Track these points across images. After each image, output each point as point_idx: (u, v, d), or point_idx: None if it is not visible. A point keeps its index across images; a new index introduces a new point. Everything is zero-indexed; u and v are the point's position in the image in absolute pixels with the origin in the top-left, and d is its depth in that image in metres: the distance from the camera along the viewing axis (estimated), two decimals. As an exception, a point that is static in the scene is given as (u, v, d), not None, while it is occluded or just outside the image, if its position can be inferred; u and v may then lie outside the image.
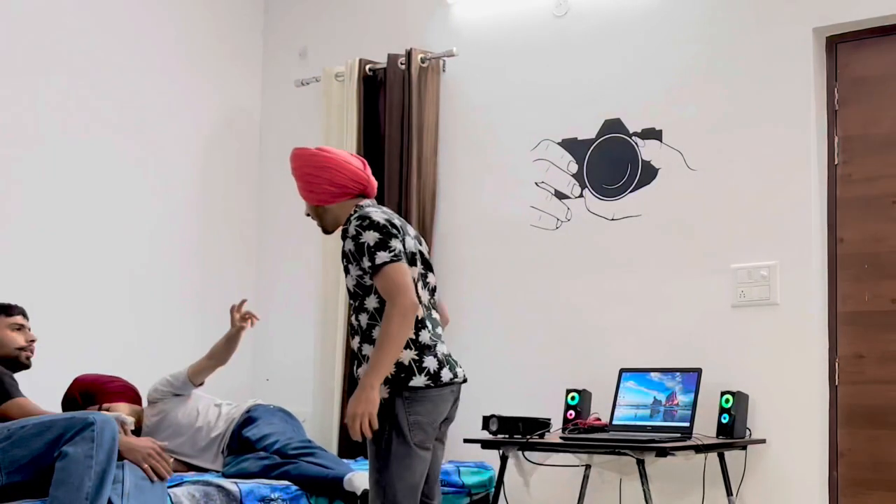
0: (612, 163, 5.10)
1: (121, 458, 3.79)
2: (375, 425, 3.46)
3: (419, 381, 3.53)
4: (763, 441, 4.62)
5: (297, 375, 5.83)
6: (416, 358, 3.55)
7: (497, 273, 5.38)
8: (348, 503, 4.36)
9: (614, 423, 4.72)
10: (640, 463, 4.25)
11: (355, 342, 3.65)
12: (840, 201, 4.64)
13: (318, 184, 3.68)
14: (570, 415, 4.85)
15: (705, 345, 4.79)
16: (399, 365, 3.52)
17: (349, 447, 5.47)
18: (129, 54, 5.60)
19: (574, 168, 5.20)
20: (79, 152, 5.37)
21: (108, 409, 4.56)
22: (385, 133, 5.59)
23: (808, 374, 4.59)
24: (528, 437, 4.54)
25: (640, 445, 4.24)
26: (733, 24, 4.84)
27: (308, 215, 3.82)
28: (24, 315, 4.35)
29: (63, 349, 5.11)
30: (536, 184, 5.29)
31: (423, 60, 5.53)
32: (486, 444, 4.65)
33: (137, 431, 4.55)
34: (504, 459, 4.64)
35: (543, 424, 4.60)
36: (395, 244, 3.51)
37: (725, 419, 4.53)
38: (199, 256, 5.84)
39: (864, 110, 4.62)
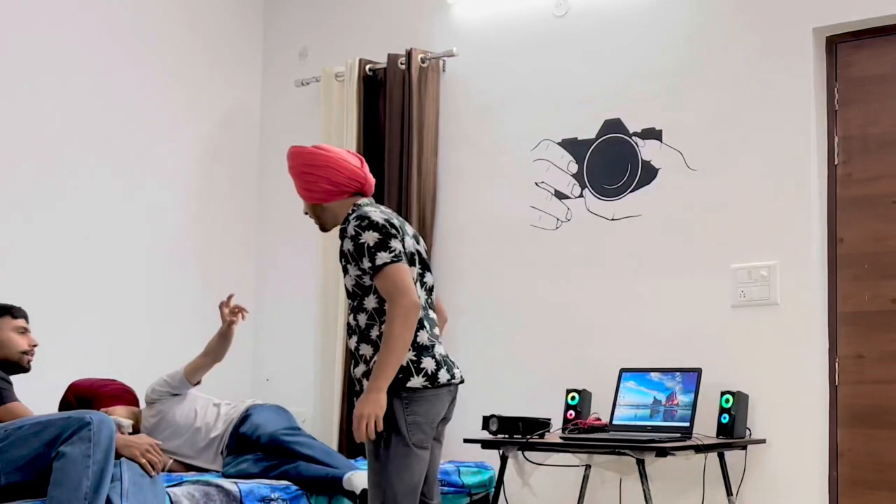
0: (612, 163, 5.10)
1: (118, 456, 3.80)
2: (381, 428, 3.46)
3: (416, 381, 3.53)
4: (763, 441, 4.62)
5: (297, 375, 5.84)
6: (414, 359, 3.55)
7: (497, 273, 5.38)
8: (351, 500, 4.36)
9: (614, 423, 4.72)
10: (640, 463, 4.25)
11: (352, 342, 3.65)
12: (840, 201, 4.64)
13: (315, 182, 3.68)
14: (570, 415, 4.85)
15: (705, 345, 4.79)
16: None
17: (350, 447, 5.47)
18: (129, 54, 5.60)
19: (574, 168, 5.20)
20: (79, 152, 5.37)
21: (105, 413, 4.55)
22: (385, 133, 5.59)
23: (808, 374, 4.59)
24: (528, 437, 4.54)
25: (640, 445, 4.23)
26: (733, 24, 4.84)
27: (306, 213, 3.82)
28: (27, 319, 4.36)
29: (62, 349, 5.11)
30: (536, 184, 5.29)
31: (423, 60, 5.53)
32: (486, 444, 4.65)
33: (136, 433, 4.55)
34: (504, 459, 4.64)
35: (543, 424, 4.59)
36: (395, 244, 3.52)
37: (725, 419, 4.53)
38: (198, 256, 5.84)
39: (864, 110, 4.62)
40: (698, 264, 4.85)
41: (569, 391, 4.92)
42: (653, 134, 5.01)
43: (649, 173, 5.00)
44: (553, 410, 5.02)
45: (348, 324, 3.69)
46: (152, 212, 5.66)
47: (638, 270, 5.00)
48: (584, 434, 4.59)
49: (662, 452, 4.21)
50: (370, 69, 5.69)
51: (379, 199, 5.57)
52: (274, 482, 4.39)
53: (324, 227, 3.80)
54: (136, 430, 4.60)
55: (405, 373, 3.53)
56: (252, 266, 6.11)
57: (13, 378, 4.26)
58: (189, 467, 4.79)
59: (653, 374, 4.72)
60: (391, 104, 5.57)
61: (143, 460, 3.87)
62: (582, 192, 5.17)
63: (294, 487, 4.38)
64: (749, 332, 4.71)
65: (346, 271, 3.61)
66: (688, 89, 4.93)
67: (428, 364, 3.56)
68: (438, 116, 5.60)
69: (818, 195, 4.65)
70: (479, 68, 5.53)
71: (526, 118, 5.35)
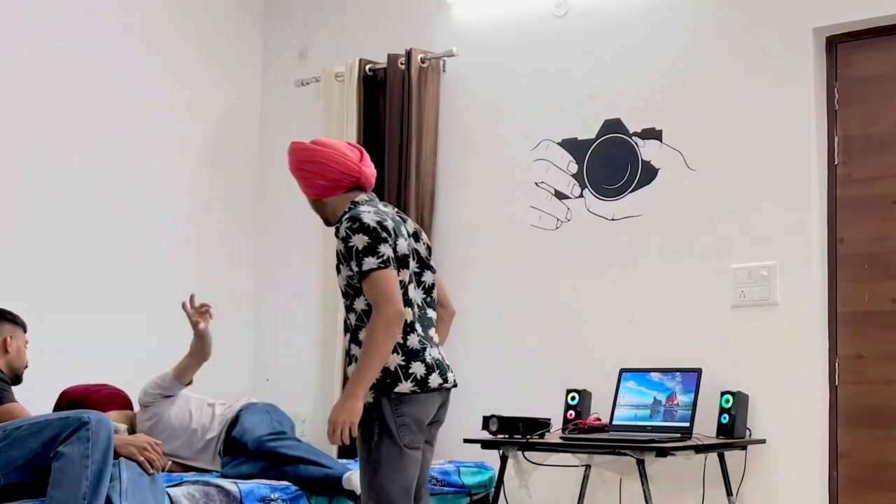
0: (612, 163, 5.10)
1: (116, 456, 3.80)
2: (356, 434, 3.43)
3: (405, 387, 3.50)
4: (763, 441, 4.62)
5: (297, 375, 5.84)
6: (403, 363, 3.51)
7: (497, 273, 5.38)
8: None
9: (614, 423, 4.71)
10: (640, 463, 4.25)
11: (345, 341, 3.64)
12: (840, 201, 4.64)
13: (311, 178, 3.66)
14: (570, 415, 4.85)
15: (705, 345, 4.79)
16: (385, 370, 3.49)
17: (349, 448, 5.46)
18: (129, 55, 5.60)
19: (574, 168, 5.20)
20: (79, 152, 5.37)
21: None
22: (385, 133, 5.59)
23: (808, 374, 4.59)
24: (528, 437, 4.54)
25: (640, 445, 4.23)
26: (733, 24, 4.84)
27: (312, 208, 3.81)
28: None
29: (61, 349, 5.11)
30: (536, 184, 5.29)
31: (423, 60, 5.53)
32: (486, 445, 4.65)
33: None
34: (504, 459, 4.64)
35: (543, 424, 4.59)
36: (384, 249, 3.47)
37: (725, 419, 4.53)
38: (198, 256, 5.84)
39: (864, 110, 4.62)
40: (698, 264, 4.85)
41: (569, 391, 4.92)
42: (653, 134, 5.01)
43: (649, 173, 5.00)
44: (553, 410, 5.01)
45: (345, 321, 3.68)
46: (152, 211, 5.66)
47: (638, 270, 5.00)
48: (584, 434, 4.59)
49: (662, 452, 4.21)
50: (370, 69, 5.69)
51: (379, 198, 5.56)
52: (274, 482, 4.39)
53: (327, 222, 3.76)
54: (131, 434, 4.58)
55: (393, 378, 3.49)
56: (252, 266, 6.11)
57: None
58: (188, 468, 4.78)
59: (653, 374, 4.72)
60: (391, 104, 5.57)
61: (142, 458, 3.87)
62: (582, 193, 5.17)
63: (294, 487, 4.38)
64: (749, 332, 4.71)
65: (338, 270, 3.58)
66: (688, 89, 4.93)
67: (417, 369, 3.52)
68: (438, 116, 5.60)
69: (818, 195, 4.65)
70: (479, 68, 5.53)
71: (526, 118, 5.35)
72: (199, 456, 4.79)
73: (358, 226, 3.49)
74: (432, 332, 3.67)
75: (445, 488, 4.79)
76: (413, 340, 3.55)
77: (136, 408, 4.90)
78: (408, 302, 3.56)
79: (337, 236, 3.57)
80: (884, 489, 4.47)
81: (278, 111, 6.15)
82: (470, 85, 5.55)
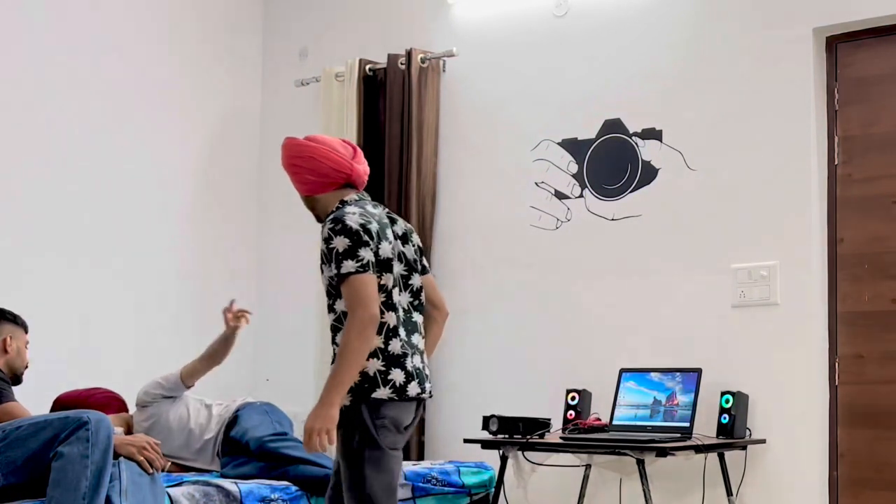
0: (612, 163, 5.10)
1: (115, 455, 3.79)
2: (333, 441, 3.40)
3: (382, 393, 3.46)
4: (763, 441, 4.62)
5: (297, 375, 5.84)
6: (383, 369, 3.47)
7: (497, 273, 5.38)
8: None
9: (614, 423, 4.72)
10: (640, 463, 4.25)
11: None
12: (840, 201, 4.64)
13: (301, 174, 3.65)
14: (570, 415, 4.85)
15: (705, 345, 4.79)
16: (364, 375, 3.45)
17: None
18: (129, 55, 5.60)
19: (574, 168, 5.20)
20: (79, 153, 5.37)
21: None
22: (385, 133, 5.59)
23: (808, 374, 4.59)
24: (528, 437, 4.54)
25: (640, 445, 4.24)
26: (733, 24, 4.84)
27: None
28: None
29: (60, 350, 5.11)
30: (536, 184, 5.29)
31: (423, 60, 5.53)
32: (486, 444, 4.65)
33: None
34: (504, 459, 4.64)
35: (543, 424, 4.60)
36: (364, 253, 3.44)
37: (725, 419, 4.53)
38: (198, 256, 5.84)
39: (864, 110, 4.62)
40: (698, 264, 4.85)
41: (569, 391, 4.92)
42: (653, 134, 5.01)
43: (649, 173, 5.00)
44: (553, 410, 5.01)
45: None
46: (152, 211, 5.66)
47: (638, 270, 5.00)
48: (584, 434, 4.59)
49: (662, 452, 4.21)
50: (370, 69, 5.69)
51: (379, 199, 5.57)
52: (274, 482, 4.38)
53: (318, 219, 3.73)
54: (128, 435, 4.57)
55: (371, 383, 3.46)
56: (252, 266, 6.11)
57: None
58: (187, 469, 4.77)
59: (653, 374, 4.72)
60: (391, 104, 5.57)
61: (141, 458, 3.86)
62: (582, 193, 5.17)
63: (294, 488, 4.37)
64: (749, 332, 4.71)
65: (322, 271, 3.56)
66: (688, 89, 4.93)
67: (396, 376, 3.48)
68: (438, 116, 5.60)
69: (818, 195, 4.65)
70: (479, 68, 5.53)
71: (526, 118, 5.35)
72: (197, 456, 4.78)
73: (340, 227, 3.46)
74: (416, 337, 3.61)
75: (445, 488, 4.79)
76: (395, 346, 3.51)
77: (132, 409, 4.89)
78: (391, 306, 3.52)
79: (321, 237, 3.55)
80: (884, 489, 4.47)
81: (278, 111, 6.15)
82: (470, 85, 5.55)
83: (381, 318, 3.48)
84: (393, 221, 3.65)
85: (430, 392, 3.65)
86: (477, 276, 5.44)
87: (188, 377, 4.80)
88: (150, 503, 3.83)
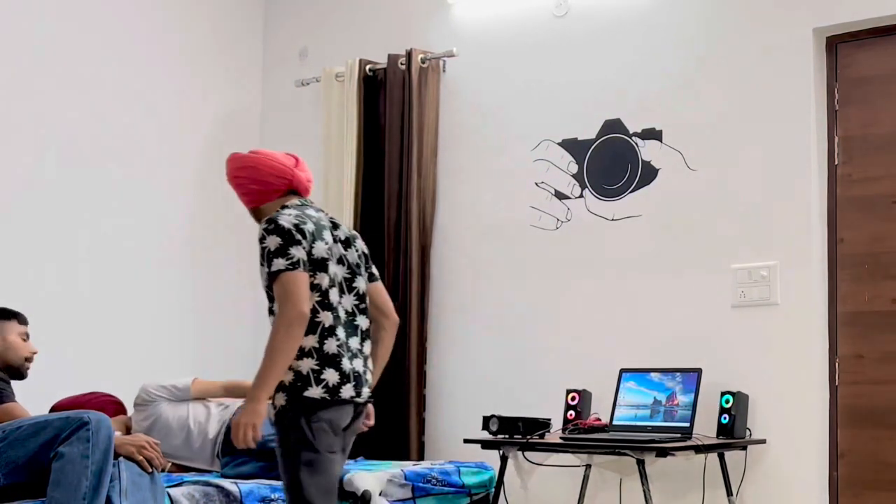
0: (612, 163, 5.10)
1: (115, 456, 3.79)
2: (259, 436, 3.39)
3: (315, 392, 3.44)
4: (763, 441, 4.62)
5: (297, 375, 5.83)
6: (316, 368, 3.45)
7: (497, 273, 5.38)
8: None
9: (614, 423, 4.72)
10: (640, 463, 4.25)
11: None
12: (840, 201, 4.64)
13: (244, 184, 3.65)
14: (571, 415, 4.85)
15: (705, 345, 4.79)
16: (297, 373, 3.44)
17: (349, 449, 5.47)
18: (129, 55, 5.60)
19: (574, 168, 5.20)
20: (78, 153, 5.37)
21: None
22: (385, 133, 5.59)
23: (808, 374, 4.59)
24: (529, 437, 4.54)
25: (640, 445, 4.24)
26: (733, 24, 4.84)
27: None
28: (27, 325, 4.37)
29: (60, 350, 5.11)
30: (536, 184, 5.29)
31: (423, 60, 5.53)
32: (486, 445, 4.65)
33: None
34: (504, 459, 4.64)
35: (543, 424, 4.60)
36: (295, 252, 3.43)
37: (725, 419, 4.53)
38: (198, 257, 5.84)
39: (864, 110, 4.62)
40: (698, 264, 4.85)
41: (569, 391, 4.92)
42: (653, 134, 5.01)
43: (649, 173, 5.00)
44: (553, 410, 5.02)
45: None
46: (152, 211, 5.66)
47: (638, 270, 5.00)
48: (584, 434, 4.59)
49: (662, 453, 4.21)
50: (370, 69, 5.69)
51: (379, 199, 5.58)
52: (274, 482, 4.38)
53: None
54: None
55: (304, 381, 3.44)
56: (252, 266, 6.10)
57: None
58: (187, 469, 4.77)
59: (653, 374, 4.72)
60: (391, 104, 5.57)
61: (140, 457, 3.86)
62: (582, 193, 5.17)
63: (294, 488, 4.37)
64: (749, 332, 4.71)
65: (260, 273, 3.55)
66: (688, 89, 4.93)
67: (330, 376, 3.46)
68: (438, 117, 5.60)
69: (818, 195, 4.65)
70: (479, 69, 5.53)
71: (526, 118, 5.35)
72: (197, 456, 4.78)
73: (273, 227, 3.46)
74: (356, 340, 3.58)
75: (445, 488, 4.79)
76: (330, 346, 3.48)
77: (130, 410, 4.88)
78: (327, 306, 3.50)
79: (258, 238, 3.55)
80: (884, 489, 4.47)
81: (278, 111, 6.15)
82: (470, 85, 5.56)
83: (316, 317, 3.48)
84: (335, 226, 3.64)
85: (369, 397, 3.62)
86: (477, 276, 5.44)
87: (200, 394, 4.79)
88: (150, 503, 3.83)
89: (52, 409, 4.68)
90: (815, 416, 4.57)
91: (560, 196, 5.23)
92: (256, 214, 3.70)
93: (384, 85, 5.64)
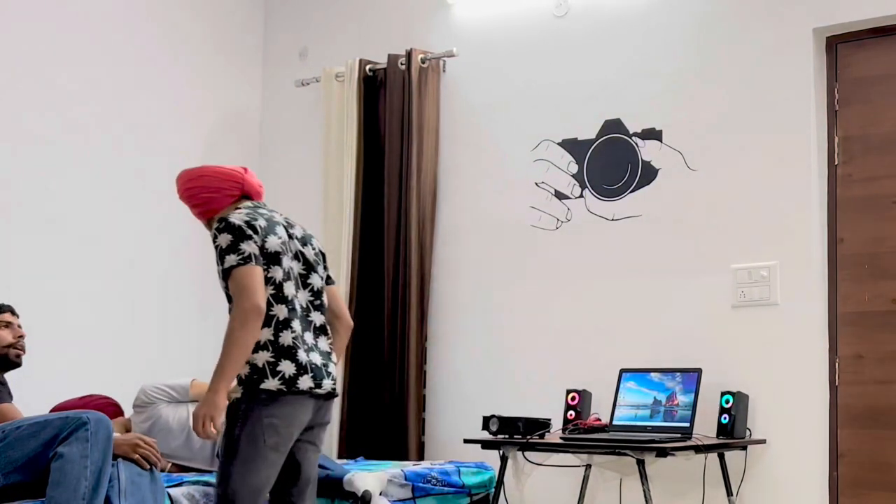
0: (612, 163, 5.10)
1: (113, 457, 3.79)
2: (219, 428, 3.41)
3: (271, 384, 3.46)
4: (763, 441, 4.62)
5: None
6: (272, 360, 3.48)
7: (497, 273, 5.38)
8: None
9: (614, 423, 4.72)
10: (640, 463, 4.25)
11: None
12: (840, 201, 4.64)
13: (197, 194, 3.68)
14: (570, 415, 4.85)
15: (705, 345, 4.79)
16: (253, 366, 3.47)
17: (349, 447, 5.47)
18: (129, 55, 5.60)
19: (574, 168, 5.20)
20: (78, 153, 5.37)
21: None
22: (385, 133, 5.59)
23: (808, 374, 4.59)
24: (529, 437, 4.54)
25: (640, 445, 4.24)
26: (733, 25, 4.84)
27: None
28: (13, 312, 4.34)
29: (61, 352, 5.11)
30: (536, 184, 5.29)
31: (423, 61, 5.53)
32: (486, 445, 4.65)
33: None
34: (504, 460, 4.64)
35: (543, 424, 4.60)
36: (246, 247, 3.46)
37: (725, 419, 4.53)
38: (198, 257, 5.83)
39: (864, 110, 4.62)
40: (698, 264, 4.85)
41: (569, 391, 4.92)
42: (653, 134, 5.01)
43: (649, 173, 5.00)
44: (553, 410, 5.02)
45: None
46: (152, 211, 5.66)
47: (638, 270, 5.00)
48: (584, 434, 4.59)
49: (662, 453, 4.21)
50: (370, 69, 5.69)
51: (379, 199, 5.58)
52: (274, 482, 4.38)
53: None
54: None
55: (260, 374, 3.46)
56: (252, 266, 6.10)
57: (7, 375, 4.27)
58: (187, 469, 4.77)
59: (653, 374, 4.72)
60: (391, 104, 5.57)
61: (136, 455, 3.85)
62: (582, 193, 5.17)
63: (294, 488, 4.37)
64: (749, 332, 4.71)
65: (218, 273, 3.57)
66: (688, 89, 4.93)
67: (286, 368, 3.48)
68: (438, 116, 5.60)
69: (818, 195, 4.65)
70: (479, 68, 5.53)
71: (526, 118, 5.35)
72: (197, 456, 4.77)
73: (224, 225, 3.50)
74: (311, 335, 3.60)
75: (445, 488, 4.79)
76: (286, 338, 3.51)
77: (129, 412, 4.87)
78: (281, 299, 3.53)
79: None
80: (884, 489, 4.47)
81: (278, 111, 6.15)
82: (470, 85, 5.56)
83: (271, 310, 3.50)
84: (290, 225, 3.68)
85: (332, 391, 3.61)
86: (477, 276, 5.44)
87: (198, 396, 4.78)
88: (150, 503, 3.83)
89: (52, 412, 4.68)
90: (815, 416, 4.57)
91: (560, 196, 5.23)
92: (212, 225, 3.68)
93: (384, 85, 5.64)
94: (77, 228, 5.34)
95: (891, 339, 4.51)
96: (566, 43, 5.28)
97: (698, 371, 4.60)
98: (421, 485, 4.69)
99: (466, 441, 4.76)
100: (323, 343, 3.66)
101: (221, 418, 3.42)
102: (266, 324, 3.49)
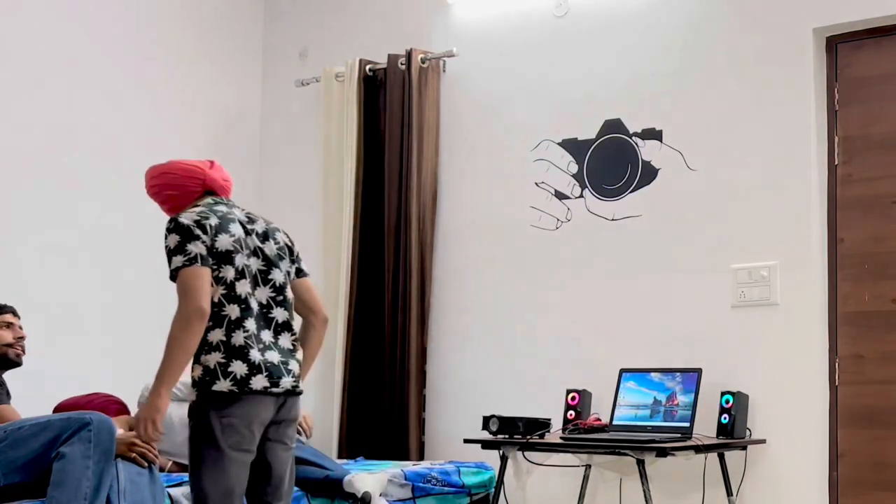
0: (612, 163, 5.10)
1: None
2: (160, 430, 3.39)
3: (223, 385, 3.40)
4: (763, 441, 4.62)
5: (297, 375, 5.83)
6: (223, 361, 3.42)
7: (497, 273, 5.38)
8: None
9: (614, 423, 4.72)
10: (640, 463, 4.25)
11: None
12: (840, 201, 4.64)
13: (161, 191, 3.66)
14: (570, 415, 4.85)
15: (705, 345, 4.79)
16: (205, 368, 3.42)
17: (349, 447, 5.47)
18: (129, 55, 5.60)
19: (574, 168, 5.20)
20: (78, 153, 5.37)
21: None
22: (385, 133, 5.59)
23: (808, 374, 4.59)
24: (529, 437, 4.54)
25: (640, 445, 4.24)
26: (733, 24, 4.84)
27: None
28: (14, 314, 4.34)
29: (61, 353, 5.11)
30: (536, 184, 5.29)
31: (423, 60, 5.53)
32: (486, 445, 4.65)
33: None
34: (504, 459, 4.64)
35: (543, 424, 4.60)
36: (193, 247, 3.42)
37: (725, 419, 4.53)
38: (199, 256, 5.83)
39: (864, 110, 4.62)
40: (698, 264, 4.85)
41: (569, 391, 4.92)
42: (653, 134, 5.01)
43: (649, 173, 5.00)
44: (553, 410, 5.02)
45: None
46: (152, 212, 5.65)
47: (638, 270, 5.00)
48: (584, 434, 4.59)
49: (662, 453, 4.21)
50: (370, 69, 5.69)
51: (379, 199, 5.58)
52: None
53: None
54: None
55: (212, 375, 3.42)
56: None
57: (7, 375, 4.27)
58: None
59: (653, 374, 4.72)
60: (391, 104, 5.57)
61: (133, 454, 3.85)
62: (582, 193, 5.17)
63: (295, 488, 4.37)
64: (749, 332, 4.71)
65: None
66: (688, 89, 4.93)
67: (238, 368, 3.42)
68: (438, 116, 5.60)
69: (818, 195, 4.65)
70: (479, 68, 5.53)
71: (526, 118, 5.35)
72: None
73: (174, 226, 3.47)
74: (269, 333, 3.53)
75: (445, 488, 4.79)
76: (238, 338, 3.45)
77: (133, 410, 4.88)
78: (234, 298, 3.47)
79: None
80: (884, 489, 4.47)
81: (278, 111, 6.15)
82: (470, 85, 5.56)
83: (222, 310, 3.45)
84: (251, 220, 3.62)
85: (293, 388, 3.54)
86: (477, 276, 5.44)
87: None
88: (150, 503, 3.83)
89: (55, 410, 4.68)
90: (815, 416, 4.57)
91: (560, 196, 5.23)
92: None
93: (384, 85, 5.64)
94: (78, 228, 5.34)
95: (891, 339, 4.51)
96: (566, 43, 5.28)
97: (698, 371, 4.60)
98: (421, 485, 4.69)
99: (466, 441, 4.76)
100: (284, 340, 3.57)
101: (163, 420, 3.40)
102: (218, 324, 3.44)
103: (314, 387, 5.67)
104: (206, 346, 3.43)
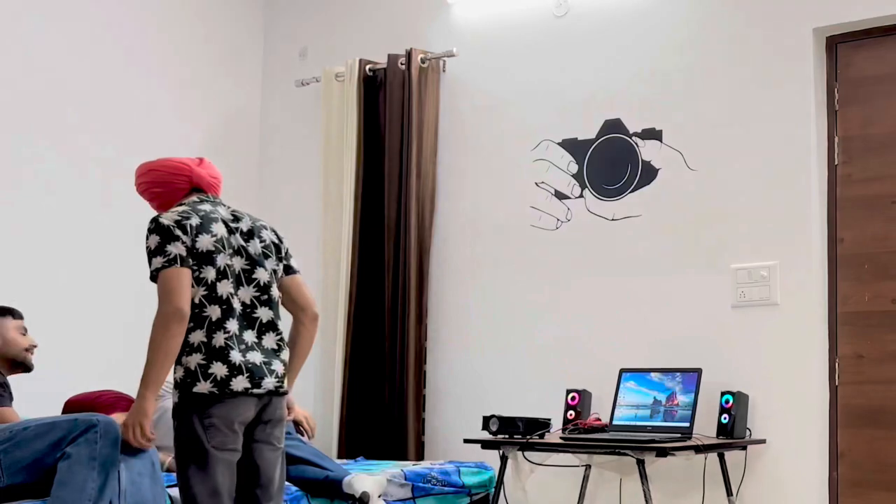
0: (612, 163, 5.10)
1: None
2: (148, 434, 3.41)
3: (203, 387, 3.39)
4: (763, 441, 4.62)
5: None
6: (203, 363, 3.41)
7: (497, 273, 5.38)
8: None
9: (614, 423, 4.72)
10: (640, 463, 4.25)
11: None
12: (840, 201, 4.64)
13: (149, 189, 3.65)
14: (570, 415, 4.86)
15: (705, 345, 4.79)
16: (186, 369, 3.41)
17: (349, 447, 5.47)
18: (129, 55, 5.60)
19: (574, 168, 5.20)
20: (79, 153, 5.37)
21: None
22: (385, 133, 5.59)
23: (808, 374, 4.59)
24: (529, 437, 4.54)
25: (640, 445, 4.24)
26: (733, 24, 4.84)
27: None
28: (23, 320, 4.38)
29: (62, 353, 5.11)
30: (536, 184, 5.29)
31: (423, 60, 5.53)
32: (486, 445, 4.65)
33: None
34: (504, 459, 4.64)
35: (543, 424, 4.60)
36: (172, 248, 3.41)
37: (725, 419, 4.53)
38: (199, 256, 5.83)
39: (864, 110, 4.62)
40: (698, 264, 4.85)
41: (569, 391, 4.92)
42: (653, 134, 5.01)
43: (649, 173, 5.00)
44: (553, 410, 5.02)
45: None
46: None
47: (638, 270, 5.00)
48: (584, 434, 4.60)
49: (662, 452, 4.21)
50: (370, 69, 5.69)
51: (379, 198, 5.58)
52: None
53: None
54: None
55: (192, 377, 3.41)
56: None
57: (17, 378, 4.28)
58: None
59: (653, 374, 4.72)
60: (391, 104, 5.57)
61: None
62: (582, 193, 5.17)
63: (294, 488, 4.37)
64: (749, 332, 4.71)
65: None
66: (688, 89, 4.93)
67: (218, 370, 3.40)
68: (438, 116, 5.60)
69: (818, 195, 4.65)
70: (479, 68, 5.53)
71: (526, 118, 5.35)
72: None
73: (154, 226, 3.45)
74: (252, 333, 3.51)
75: (445, 488, 4.79)
76: (218, 339, 3.43)
77: None
78: (215, 299, 3.44)
79: None
80: (884, 489, 4.47)
81: (278, 111, 6.15)
82: (470, 85, 5.56)
83: (203, 311, 3.43)
84: (236, 219, 3.58)
85: (275, 388, 3.52)
86: (477, 276, 5.44)
87: None
88: (150, 503, 3.83)
89: (66, 405, 4.71)
90: (815, 416, 4.57)
91: (560, 196, 5.23)
92: None
93: (384, 85, 5.64)
94: (79, 228, 5.34)
95: (891, 339, 4.51)
96: (566, 43, 5.28)
97: (698, 371, 4.60)
98: (421, 485, 4.69)
99: (466, 441, 4.76)
100: (269, 340, 3.55)
101: (151, 424, 3.41)
102: (199, 325, 3.42)
103: (314, 387, 5.67)
104: (187, 348, 3.42)
